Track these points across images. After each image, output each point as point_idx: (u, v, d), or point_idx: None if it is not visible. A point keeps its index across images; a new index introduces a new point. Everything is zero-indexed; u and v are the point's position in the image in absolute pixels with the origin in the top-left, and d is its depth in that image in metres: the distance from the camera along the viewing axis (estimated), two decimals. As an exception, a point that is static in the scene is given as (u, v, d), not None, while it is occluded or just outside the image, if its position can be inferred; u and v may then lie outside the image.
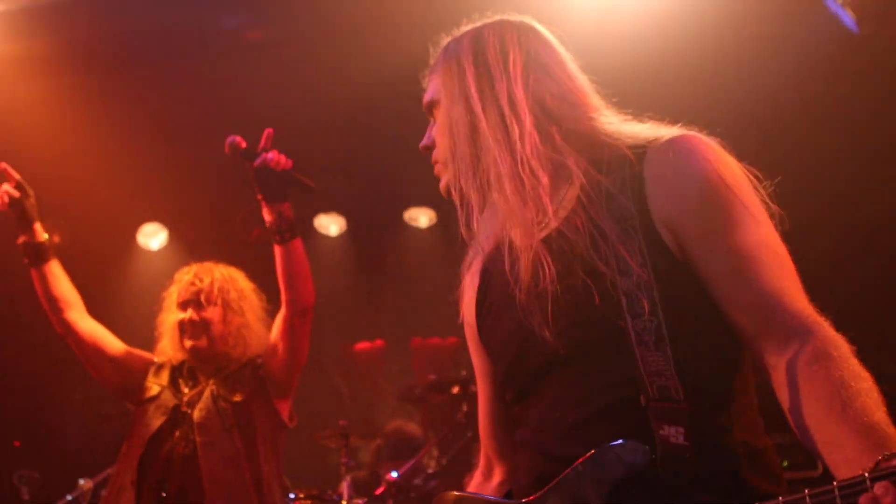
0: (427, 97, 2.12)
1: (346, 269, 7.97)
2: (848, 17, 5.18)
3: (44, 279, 3.94)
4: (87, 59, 6.39)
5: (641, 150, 1.85)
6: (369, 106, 6.51)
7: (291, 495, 4.94)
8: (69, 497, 6.44)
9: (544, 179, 1.89)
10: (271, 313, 4.13)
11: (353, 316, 8.19)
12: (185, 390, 4.01)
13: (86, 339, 4.01)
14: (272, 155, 3.38)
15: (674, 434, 1.66)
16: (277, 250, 3.73)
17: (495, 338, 2.01)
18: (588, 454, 1.69)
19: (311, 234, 8.15)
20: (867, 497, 1.33)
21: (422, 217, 8.55)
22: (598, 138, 1.92)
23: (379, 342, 9.18)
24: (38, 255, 3.91)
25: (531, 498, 1.79)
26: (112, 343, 4.10)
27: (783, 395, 1.65)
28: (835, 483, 1.38)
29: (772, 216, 1.81)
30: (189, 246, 8.22)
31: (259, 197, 3.56)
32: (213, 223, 8.04)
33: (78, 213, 7.12)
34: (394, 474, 5.91)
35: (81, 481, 6.37)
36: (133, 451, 3.89)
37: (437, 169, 2.09)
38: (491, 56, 2.01)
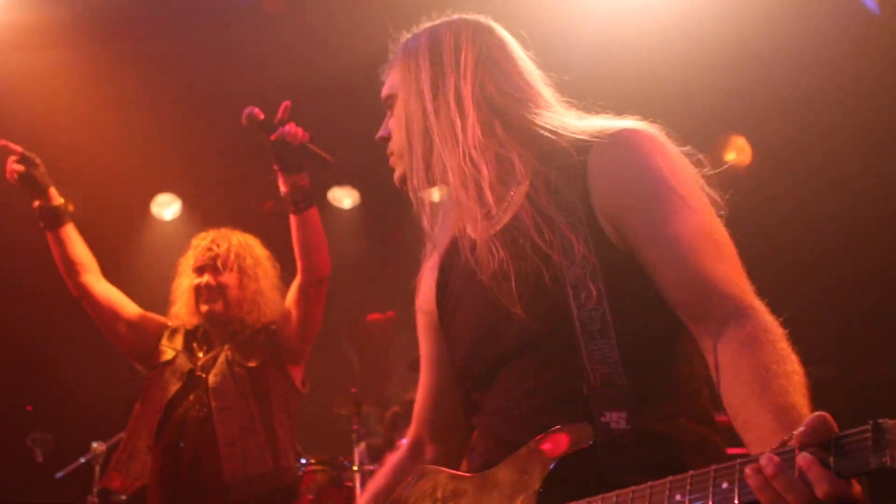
0: (385, 91, 2.19)
1: (359, 242, 8.00)
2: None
3: (60, 242, 3.97)
4: (102, 29, 6.41)
5: (587, 145, 1.89)
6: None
7: (303, 461, 5.00)
8: (82, 459, 6.52)
9: (485, 171, 1.96)
10: (285, 282, 4.17)
11: (366, 287, 8.23)
12: (200, 355, 4.04)
13: (101, 301, 4.05)
14: (289, 128, 3.38)
15: (616, 420, 1.72)
16: (293, 220, 3.75)
17: (456, 326, 2.08)
18: (537, 436, 1.78)
19: (324, 207, 8.17)
20: (751, 467, 1.38)
21: (434, 190, 8.53)
22: (544, 133, 1.96)
23: (390, 314, 9.23)
24: (54, 218, 3.94)
25: (488, 470, 1.88)
26: (127, 306, 4.13)
27: (715, 377, 1.70)
28: (738, 461, 1.42)
29: (715, 203, 1.87)
30: (202, 216, 8.24)
31: (275, 168, 3.58)
32: (226, 193, 8.07)
33: (92, 183, 7.14)
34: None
35: (95, 444, 6.44)
36: (150, 416, 3.94)
37: (392, 160, 2.17)
38: (445, 53, 2.07)
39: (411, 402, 7.65)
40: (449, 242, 2.13)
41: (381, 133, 2.20)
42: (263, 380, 3.98)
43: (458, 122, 1.99)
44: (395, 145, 2.15)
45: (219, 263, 4.04)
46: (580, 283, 1.81)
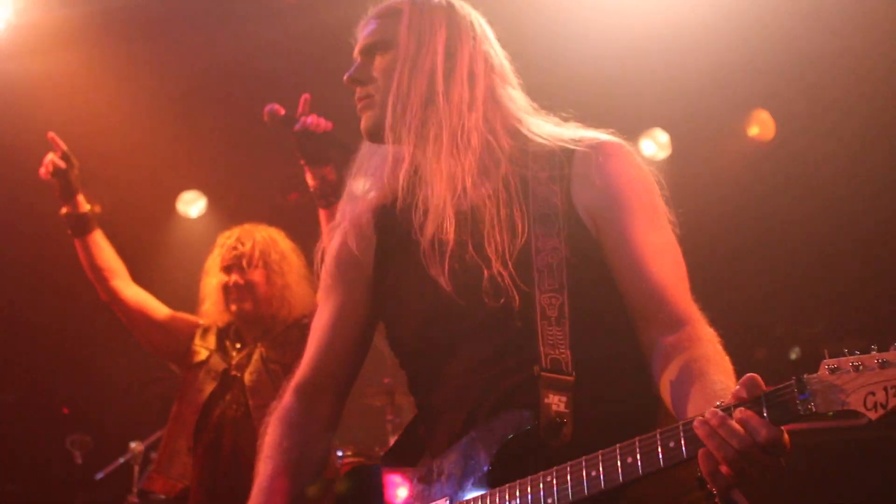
0: (377, 36, 2.20)
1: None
2: None
3: (87, 249, 4.00)
4: (122, 28, 6.41)
5: (570, 149, 2.05)
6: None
7: (339, 453, 5.00)
8: (121, 460, 6.58)
9: (476, 148, 2.06)
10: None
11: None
12: (234, 353, 4.06)
13: (131, 305, 4.07)
14: (312, 119, 3.38)
15: (556, 402, 1.87)
16: (323, 214, 3.72)
17: (404, 298, 2.12)
18: (482, 422, 1.92)
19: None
20: (699, 420, 1.58)
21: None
22: (530, 134, 2.10)
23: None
24: (81, 225, 3.97)
25: (432, 461, 2.00)
26: (157, 308, 4.15)
27: (657, 371, 1.89)
28: (680, 423, 1.64)
29: (671, 220, 2.06)
30: (229, 212, 8.26)
31: (301, 162, 3.56)
32: (251, 189, 8.08)
33: (117, 183, 7.19)
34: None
35: (132, 444, 6.50)
36: (187, 416, 3.96)
37: (366, 103, 2.18)
38: (463, 31, 2.16)
39: None
40: (387, 205, 2.20)
41: (355, 75, 2.21)
42: (299, 375, 3.98)
43: (467, 95, 2.09)
44: (378, 92, 2.16)
45: (244, 262, 4.04)
46: (546, 270, 1.95)
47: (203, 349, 4.09)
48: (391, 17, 2.19)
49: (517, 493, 1.80)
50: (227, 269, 4.07)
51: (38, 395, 7.98)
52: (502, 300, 1.95)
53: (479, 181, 2.07)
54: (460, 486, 1.92)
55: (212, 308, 4.14)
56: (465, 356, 2.01)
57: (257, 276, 4.05)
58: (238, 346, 4.08)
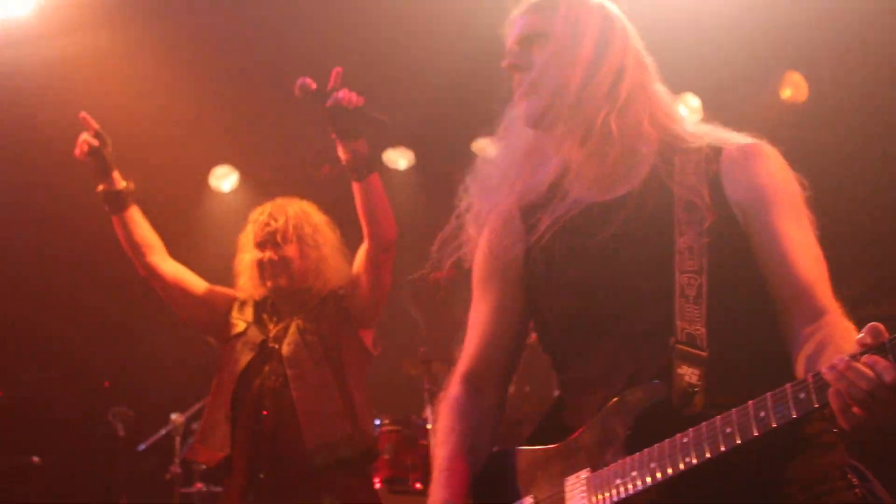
0: (535, 28, 2.29)
1: (417, 202, 7.99)
2: None
3: (125, 225, 4.03)
4: (155, 5, 6.46)
5: (717, 147, 2.19)
6: (435, 37, 6.49)
7: (377, 422, 5.06)
8: (163, 431, 6.68)
9: (626, 144, 2.19)
10: (347, 245, 4.20)
11: (426, 247, 8.24)
12: (271, 326, 4.09)
13: (169, 280, 4.11)
14: (343, 93, 3.39)
15: (689, 374, 1.98)
16: (356, 187, 3.75)
17: (560, 282, 2.23)
18: (618, 395, 2.03)
19: (380, 170, 8.17)
20: (827, 366, 1.66)
21: (488, 147, 8.51)
22: (676, 128, 2.24)
23: (452, 271, 9.25)
24: (118, 202, 4.00)
25: (570, 438, 2.11)
26: (195, 282, 4.19)
27: (800, 360, 1.96)
28: (809, 375, 1.72)
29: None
30: (261, 186, 8.31)
31: (333, 136, 3.58)
32: (283, 163, 8.11)
33: (150, 159, 7.25)
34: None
35: (173, 416, 6.60)
36: (225, 387, 4.01)
37: (528, 89, 2.27)
38: (615, 26, 2.28)
39: None
40: (533, 195, 2.33)
41: (516, 62, 2.30)
42: (336, 346, 4.02)
43: (620, 89, 2.21)
44: (541, 80, 2.25)
45: (278, 238, 4.06)
46: (686, 253, 2.08)
47: (241, 321, 4.13)
48: (548, 10, 2.29)
49: (656, 456, 1.89)
50: (261, 246, 4.09)
51: (81, 371, 8.11)
52: (645, 280, 2.10)
53: (626, 171, 2.21)
54: (600, 457, 2.02)
55: (248, 283, 4.17)
56: (610, 334, 2.12)
57: (291, 250, 4.06)
58: (275, 318, 4.11)
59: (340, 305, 4.09)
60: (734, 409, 1.77)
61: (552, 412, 2.31)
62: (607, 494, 1.95)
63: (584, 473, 2.03)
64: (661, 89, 2.29)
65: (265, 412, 3.89)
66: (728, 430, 1.77)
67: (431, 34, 6.47)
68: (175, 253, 4.26)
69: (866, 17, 5.95)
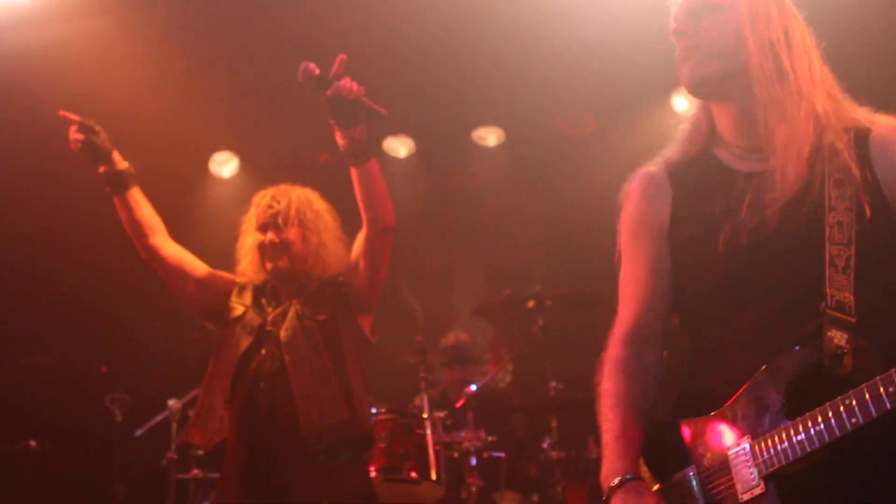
0: (709, 1, 2.35)
1: (417, 190, 8.02)
2: None
3: (127, 206, 4.04)
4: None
5: (866, 127, 2.28)
6: (435, 24, 6.48)
7: (373, 410, 5.07)
8: (160, 417, 6.70)
9: (783, 117, 2.27)
10: (347, 233, 4.21)
11: (424, 235, 8.25)
12: (269, 310, 4.10)
13: (170, 262, 4.13)
14: (345, 83, 3.40)
15: (838, 338, 2.08)
16: (354, 173, 3.77)
17: (702, 243, 2.31)
18: (769, 362, 2.11)
19: (379, 158, 8.19)
20: None
21: (490, 136, 8.55)
22: (836, 107, 2.32)
23: (450, 261, 9.26)
24: (120, 182, 4.01)
25: (724, 406, 2.18)
26: (196, 265, 4.21)
27: None
28: None
29: None
30: (260, 172, 8.32)
31: (332, 122, 3.60)
32: (282, 149, 8.12)
33: (150, 145, 7.25)
34: (473, 388, 6.03)
35: (170, 401, 6.60)
36: (224, 371, 4.01)
37: (691, 53, 2.33)
38: (790, 6, 2.38)
39: (453, 342, 7.52)
40: (682, 159, 2.45)
41: (683, 28, 2.34)
42: (334, 332, 4.03)
43: (807, 68, 2.31)
44: (706, 43, 2.31)
45: (280, 220, 4.07)
46: (836, 226, 2.17)
47: (240, 305, 4.14)
48: None
49: (819, 420, 1.96)
50: (263, 228, 4.11)
51: (78, 356, 8.11)
52: (797, 249, 2.19)
53: (782, 144, 2.27)
54: (758, 425, 2.09)
55: (248, 267, 4.18)
56: (759, 300, 2.21)
57: (293, 234, 4.08)
58: (273, 303, 4.12)
59: (339, 292, 4.11)
60: (893, 370, 1.85)
61: (693, 377, 2.36)
62: (774, 462, 2.02)
63: (745, 442, 2.10)
64: (824, 69, 2.35)
65: (259, 398, 3.90)
66: (891, 388, 1.85)
67: (432, 21, 6.46)
68: (174, 237, 4.27)
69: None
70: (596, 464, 3.09)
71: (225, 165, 8.64)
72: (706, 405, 2.22)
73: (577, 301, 6.68)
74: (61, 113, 3.88)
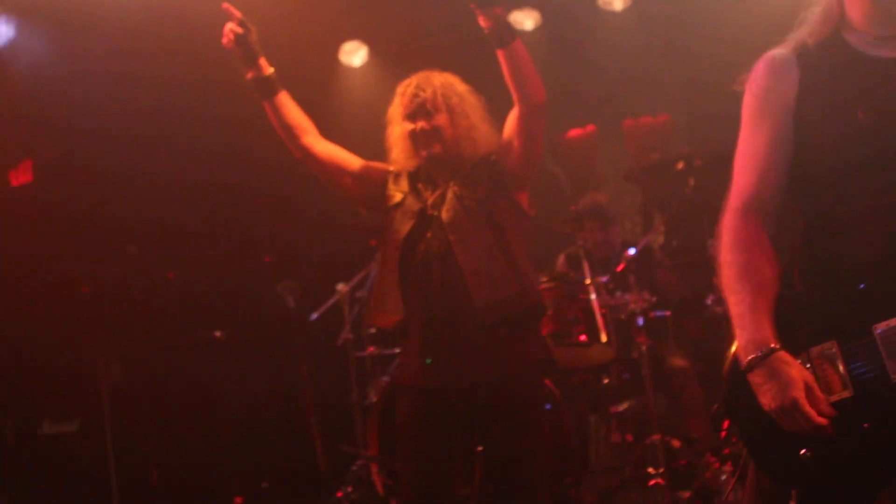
0: None
1: (547, 61, 7.93)
2: None
3: (277, 110, 4.17)
4: None
5: None
6: None
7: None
8: (332, 301, 7.03)
9: None
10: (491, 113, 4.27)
11: (561, 105, 8.20)
12: (427, 194, 4.22)
13: (324, 159, 4.26)
14: None
15: None
16: (500, 54, 3.83)
17: (840, 128, 2.31)
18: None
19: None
20: None
21: (616, 0, 8.37)
22: None
23: (590, 128, 9.21)
24: (268, 87, 4.13)
25: (868, 283, 2.15)
26: (349, 159, 4.33)
27: None
28: None
29: None
30: (391, 60, 8.39)
31: (472, 6, 3.65)
32: (410, 36, 8.13)
33: (279, 36, 7.40)
34: (631, 251, 6.12)
35: (339, 285, 6.92)
36: (390, 255, 4.18)
37: None
38: None
39: (590, 202, 7.54)
40: (807, 42, 2.43)
41: None
42: (494, 209, 4.13)
43: None
44: None
45: (429, 107, 4.14)
46: None
47: (397, 192, 4.27)
48: None
49: None
50: (412, 117, 4.18)
51: (247, 246, 8.47)
52: None
53: None
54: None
55: (401, 155, 4.28)
56: (879, 181, 2.23)
57: (442, 119, 4.15)
58: (430, 187, 4.24)
59: (493, 171, 4.19)
60: None
61: (819, 256, 2.36)
62: None
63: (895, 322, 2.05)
64: None
65: (430, 277, 4.05)
66: None
67: None
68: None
69: None
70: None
71: (355, 55, 8.72)
72: (843, 281, 2.19)
73: (728, 159, 6.55)
74: (224, 5, 3.97)
